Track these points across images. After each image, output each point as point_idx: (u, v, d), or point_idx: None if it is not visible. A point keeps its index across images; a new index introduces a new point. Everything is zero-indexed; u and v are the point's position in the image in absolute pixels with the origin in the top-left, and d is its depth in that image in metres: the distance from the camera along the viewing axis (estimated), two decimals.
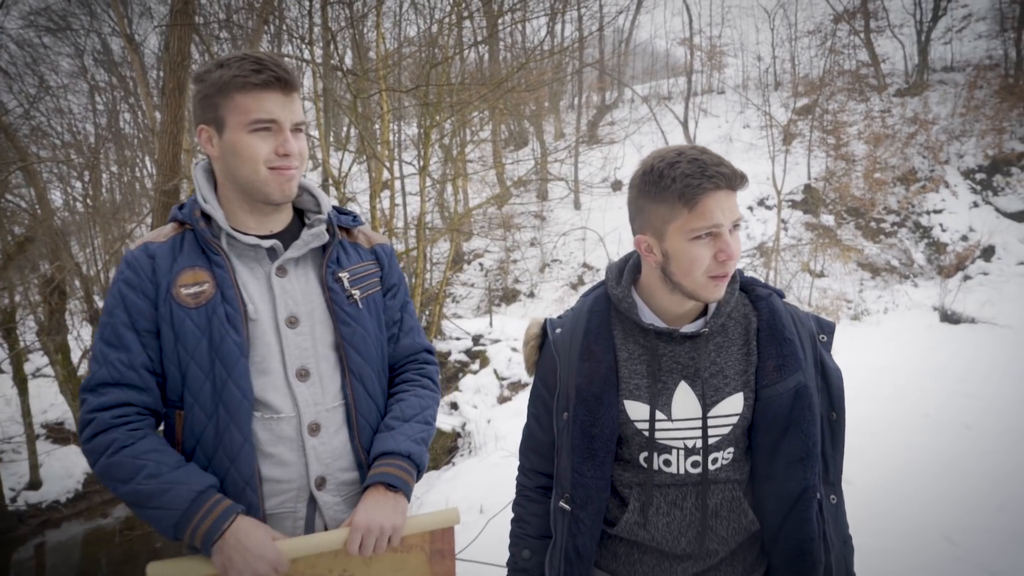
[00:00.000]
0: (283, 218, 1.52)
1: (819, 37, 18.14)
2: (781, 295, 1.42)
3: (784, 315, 1.36)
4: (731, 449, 1.34)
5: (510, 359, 6.76)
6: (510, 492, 3.67)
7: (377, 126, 7.81)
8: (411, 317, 1.67)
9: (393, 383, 1.62)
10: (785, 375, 1.30)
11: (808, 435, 1.29)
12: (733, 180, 1.22)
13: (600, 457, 1.32)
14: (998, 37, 17.47)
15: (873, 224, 12.87)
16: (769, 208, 13.48)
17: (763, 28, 19.65)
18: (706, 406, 1.30)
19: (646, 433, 1.31)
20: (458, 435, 5.26)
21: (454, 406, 5.79)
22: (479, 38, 8.46)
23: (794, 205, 13.48)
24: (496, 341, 7.64)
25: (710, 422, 1.30)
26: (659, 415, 1.30)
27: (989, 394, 6.49)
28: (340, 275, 1.51)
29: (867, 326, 10.27)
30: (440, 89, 5.98)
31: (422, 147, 6.42)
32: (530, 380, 1.62)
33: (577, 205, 14.60)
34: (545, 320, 1.48)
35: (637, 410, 1.32)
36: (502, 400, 5.95)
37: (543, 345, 1.47)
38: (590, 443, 1.32)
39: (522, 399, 5.76)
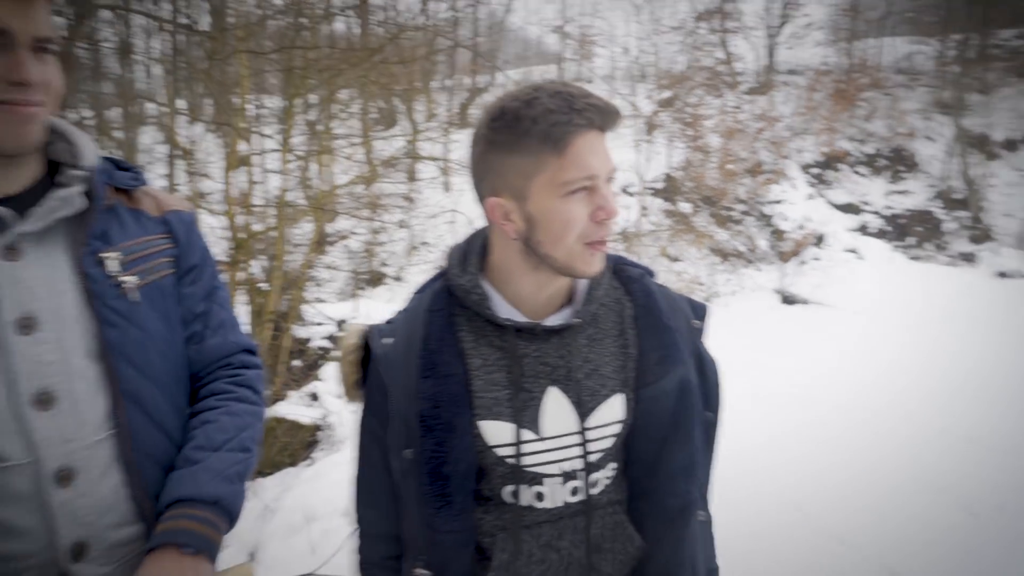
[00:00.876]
0: (22, 175, 1.06)
1: (682, 33, 19.04)
2: (652, 274, 1.20)
3: (660, 298, 1.14)
4: (613, 465, 1.10)
5: None
6: None
7: (235, 95, 7.29)
8: (223, 308, 1.28)
9: (197, 398, 1.23)
10: (668, 369, 1.07)
11: (692, 440, 1.08)
12: (607, 117, 0.97)
13: (459, 503, 1.02)
14: (832, 45, 19.22)
15: (724, 212, 13.77)
16: (632, 195, 14.05)
17: (631, 21, 20.33)
18: (583, 414, 1.04)
19: (511, 461, 1.03)
20: (318, 428, 5.03)
21: (314, 397, 5.54)
22: (350, 2, 8.11)
23: (655, 193, 14.13)
24: None
25: (590, 435, 1.05)
26: (526, 434, 1.03)
27: (821, 367, 7.17)
28: (105, 255, 1.09)
29: (717, 307, 11.03)
30: (306, 55, 5.60)
31: (285, 120, 6.05)
32: None
33: (447, 187, 14.49)
34: (367, 327, 1.15)
35: (498, 432, 1.03)
36: None
37: (366, 361, 1.13)
38: (444, 486, 1.01)
39: None
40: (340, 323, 7.17)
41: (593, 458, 1.06)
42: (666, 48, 19.95)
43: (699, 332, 1.17)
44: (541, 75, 19.71)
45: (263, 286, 6.01)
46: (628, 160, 14.04)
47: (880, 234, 13.13)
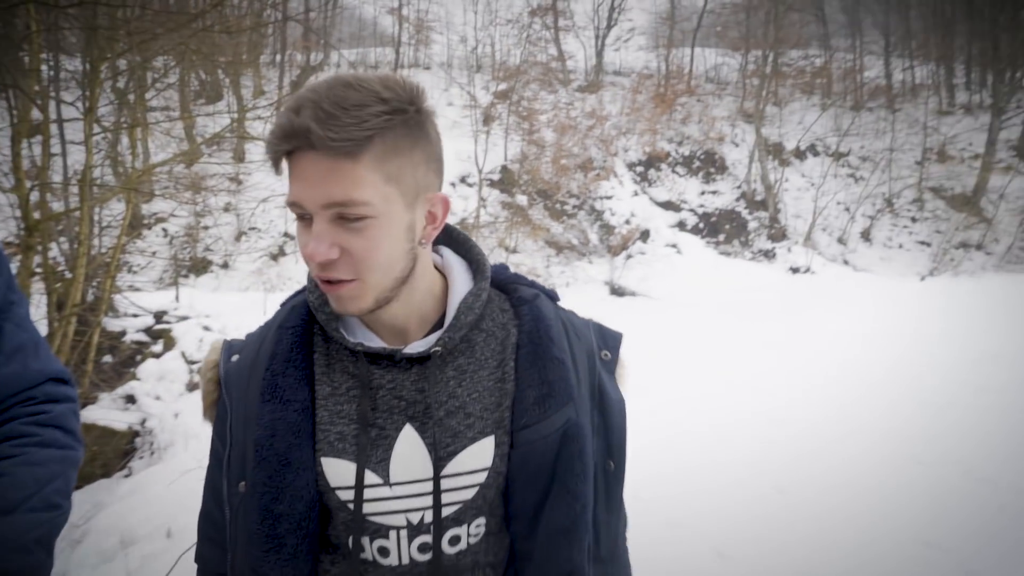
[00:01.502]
0: None
1: (517, 27, 19.43)
2: (553, 297, 1.03)
3: (553, 324, 0.96)
4: (481, 520, 0.94)
5: (201, 339, 6.02)
6: None
7: (25, 53, 6.27)
8: (20, 328, 1.04)
9: None
10: (550, 410, 0.91)
11: (577, 496, 0.91)
12: (322, 140, 0.75)
13: (290, 548, 0.87)
14: (653, 51, 20.68)
15: (558, 206, 14.31)
16: (470, 186, 14.15)
17: (469, 10, 20.39)
18: (439, 459, 0.88)
19: (351, 506, 0.89)
20: (136, 434, 4.49)
21: (130, 399, 4.94)
22: None
23: (492, 184, 14.34)
24: (184, 318, 6.77)
25: (445, 483, 0.89)
26: (371, 477, 0.88)
27: (653, 354, 7.67)
28: None
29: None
30: (113, 13, 4.90)
31: (88, 85, 5.30)
32: None
33: (278, 170, 13.64)
34: (224, 341, 1.01)
35: (340, 472, 0.88)
36: (192, 387, 5.25)
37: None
38: (273, 527, 0.86)
39: None
40: (159, 315, 6.49)
41: (449, 511, 0.90)
42: (502, 40, 20.37)
43: (609, 364, 1.01)
44: (377, 57, 19.22)
45: (66, 274, 5.25)
46: (467, 150, 14.14)
47: (696, 230, 14.37)
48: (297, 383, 0.89)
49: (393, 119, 0.79)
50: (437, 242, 1.01)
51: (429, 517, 0.90)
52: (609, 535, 1.00)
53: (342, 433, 0.89)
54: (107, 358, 6.22)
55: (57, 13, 5.22)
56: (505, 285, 1.02)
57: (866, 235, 14.40)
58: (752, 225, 14.53)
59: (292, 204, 0.80)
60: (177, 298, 7.36)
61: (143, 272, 10.50)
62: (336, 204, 0.77)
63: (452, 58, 20.05)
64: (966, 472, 4.19)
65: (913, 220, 14.69)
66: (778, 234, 14.18)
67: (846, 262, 13.68)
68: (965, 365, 6.71)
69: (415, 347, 0.90)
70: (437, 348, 0.89)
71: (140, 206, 11.50)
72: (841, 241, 14.22)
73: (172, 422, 4.41)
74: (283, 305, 1.00)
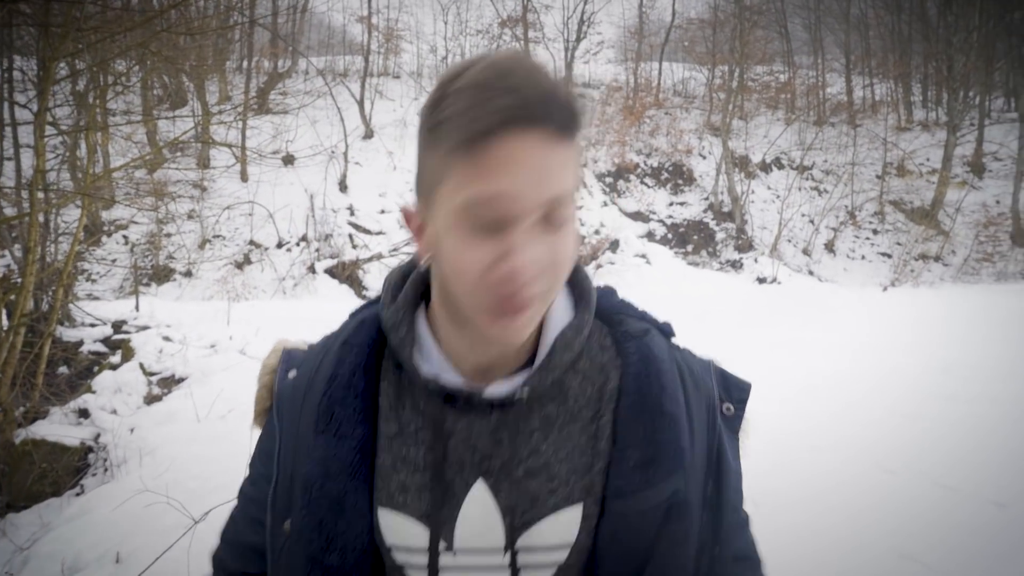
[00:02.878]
0: None
1: (487, 38, 19.47)
2: (667, 332, 0.83)
3: (667, 368, 0.77)
4: None
5: (161, 349, 5.80)
6: (162, 533, 2.92)
7: None
8: None
9: None
10: (654, 479, 0.73)
11: None
12: (549, 112, 0.60)
13: None
14: (622, 64, 20.91)
15: None
16: None
17: (439, 20, 20.38)
18: (514, 528, 0.72)
19: (410, 574, 0.74)
20: (89, 450, 4.29)
21: (83, 413, 4.73)
22: None
23: None
24: (144, 328, 6.54)
25: (522, 559, 0.73)
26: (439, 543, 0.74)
27: None
28: None
29: None
30: (69, 11, 4.72)
31: (40, 85, 5.10)
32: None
33: (244, 177, 13.41)
34: (282, 351, 0.86)
35: (399, 529, 0.74)
36: (151, 400, 5.04)
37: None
38: None
39: (177, 398, 4.93)
40: (118, 324, 6.25)
41: None
42: (472, 51, 20.38)
43: (732, 422, 0.82)
44: (346, 65, 19.06)
45: (18, 281, 5.02)
46: None
47: (664, 241, 14.48)
48: (356, 415, 0.74)
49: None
50: None
51: None
52: None
53: (404, 484, 0.73)
54: (63, 369, 5.96)
55: (8, 8, 5.02)
56: (610, 316, 0.81)
57: (830, 246, 14.67)
58: (719, 236, 14.70)
59: (490, 200, 0.60)
60: (137, 307, 7.12)
61: (102, 280, 10.16)
62: (554, 200, 0.61)
63: (422, 67, 19.99)
64: (935, 483, 4.22)
65: (875, 232, 15.02)
66: (745, 245, 14.36)
67: (811, 272, 13.91)
68: (931, 375, 6.82)
69: (498, 389, 0.73)
70: (524, 392, 0.72)
71: (100, 213, 11.16)
72: (806, 252, 14.47)
73: (127, 437, 4.21)
74: (352, 315, 0.84)
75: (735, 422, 0.82)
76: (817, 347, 8.45)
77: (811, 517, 3.76)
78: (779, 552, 3.41)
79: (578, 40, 19.94)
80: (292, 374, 0.81)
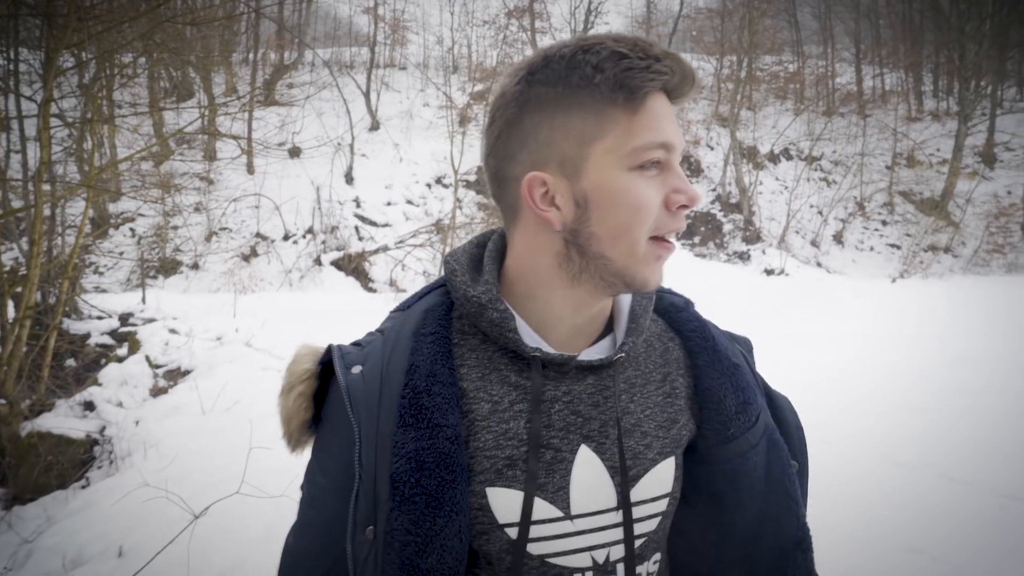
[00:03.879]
0: None
1: (494, 28, 19.37)
2: (693, 304, 0.95)
3: (716, 331, 0.89)
4: (658, 556, 0.82)
5: (167, 342, 5.81)
6: (164, 528, 2.92)
7: None
8: None
9: None
10: (752, 417, 0.83)
11: (799, 502, 0.85)
12: (685, 79, 0.74)
13: None
14: None
15: None
16: (446, 187, 14.03)
17: (445, 11, 20.28)
18: (626, 483, 0.76)
19: (525, 547, 0.74)
20: (95, 442, 4.30)
21: (89, 406, 4.74)
22: None
23: (468, 185, 14.23)
24: (150, 320, 6.55)
25: (635, 513, 0.77)
26: (545, 510, 0.74)
27: None
28: None
29: None
30: (72, 1, 4.69)
31: (44, 76, 5.09)
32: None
33: (251, 169, 13.41)
34: (330, 348, 0.81)
35: (516, 506, 0.73)
36: (156, 392, 5.05)
37: (322, 393, 0.80)
38: None
39: (182, 391, 4.93)
40: (124, 317, 6.27)
41: (638, 544, 0.77)
42: (479, 41, 20.31)
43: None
44: (352, 57, 19.00)
45: (24, 273, 5.02)
46: (442, 151, 14.01)
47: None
48: (447, 403, 0.73)
49: None
50: None
51: (616, 554, 0.76)
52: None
53: (512, 458, 0.74)
54: (70, 362, 5.98)
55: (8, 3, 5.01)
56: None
57: (838, 238, 14.56)
58: (727, 227, 14.62)
59: (663, 146, 0.72)
60: (144, 300, 7.14)
61: (109, 273, 10.19)
62: (685, 148, 0.78)
63: (428, 58, 19.92)
64: (943, 475, 4.18)
65: (884, 223, 14.90)
66: (753, 236, 14.27)
67: (819, 264, 13.81)
68: (940, 368, 6.76)
69: (591, 353, 0.79)
70: (621, 354, 0.78)
71: (106, 205, 11.18)
72: (814, 243, 14.36)
73: (132, 430, 4.22)
74: (404, 310, 0.84)
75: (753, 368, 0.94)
76: (825, 339, 8.40)
77: (820, 511, 3.73)
78: None
79: (585, 30, 19.81)
80: (357, 369, 0.78)
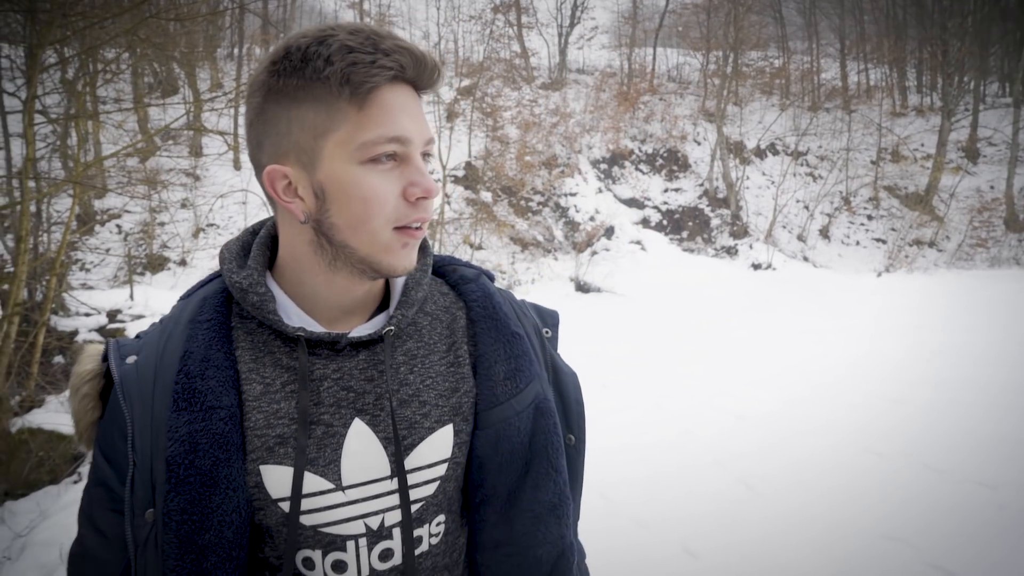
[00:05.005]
0: None
1: (480, 23, 19.33)
2: (491, 277, 0.98)
3: (502, 302, 0.92)
4: (441, 518, 0.85)
5: None
6: None
7: None
8: None
9: None
10: (520, 384, 0.86)
11: (559, 470, 0.87)
12: (423, 69, 0.76)
13: None
14: (616, 50, 20.80)
15: (523, 202, 14.26)
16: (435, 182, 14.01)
17: (431, 5, 20.20)
18: (399, 452, 0.79)
19: (299, 519, 0.78)
20: None
21: None
22: None
23: (456, 180, 14.22)
24: (139, 317, 6.54)
25: (409, 479, 0.81)
26: (316, 484, 0.77)
27: (618, 351, 7.68)
28: None
29: (518, 295, 11.40)
30: None
31: (28, 72, 5.06)
32: None
33: (238, 165, 13.35)
34: (107, 344, 0.83)
35: (287, 481, 0.77)
36: None
37: (106, 392, 0.82)
38: (198, 562, 0.72)
39: None
40: (112, 314, 6.25)
41: (415, 508, 0.81)
42: (465, 37, 20.25)
43: (552, 341, 0.98)
44: None
45: (10, 271, 4.99)
46: None
47: (659, 227, 14.48)
48: (221, 386, 0.76)
49: None
50: None
51: (391, 519, 0.80)
52: (576, 511, 0.96)
53: (282, 436, 0.77)
54: (58, 358, 5.96)
55: None
56: (442, 268, 0.96)
57: (824, 232, 14.70)
58: (715, 222, 14.71)
59: (395, 140, 0.74)
60: (132, 296, 7.11)
61: (96, 270, 10.12)
62: (431, 142, 0.79)
63: None
64: (923, 465, 4.26)
65: (869, 218, 15.05)
66: (740, 231, 14.37)
67: (806, 258, 13.94)
68: (922, 361, 6.86)
69: (362, 330, 0.82)
70: (391, 328, 0.81)
71: (92, 202, 11.09)
72: (801, 238, 14.49)
73: None
74: (184, 299, 0.86)
75: (554, 342, 0.99)
76: (810, 333, 8.49)
77: (803, 501, 3.80)
78: (773, 537, 3.45)
79: (572, 26, 19.84)
80: (131, 359, 0.80)
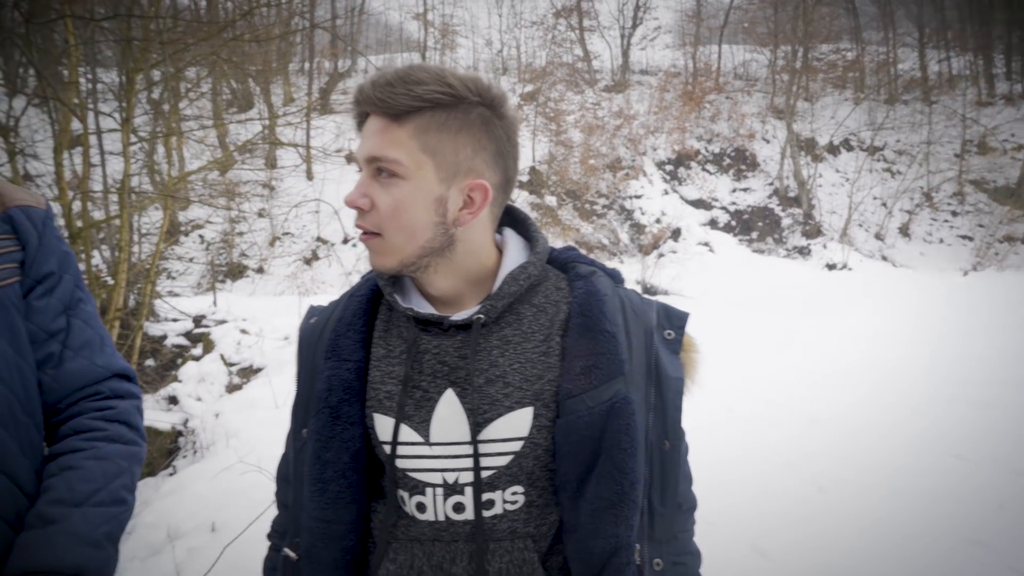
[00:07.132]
0: None
1: (542, 29, 19.45)
2: (616, 277, 1.05)
3: (608, 300, 0.97)
4: (517, 489, 0.94)
5: (239, 342, 6.12)
6: (249, 505, 3.15)
7: (64, 67, 6.48)
8: (87, 325, 1.06)
9: (56, 437, 1.00)
10: (595, 380, 0.91)
11: (624, 472, 0.90)
12: (369, 102, 0.89)
13: (333, 492, 0.95)
14: (680, 50, 20.51)
15: (588, 206, 14.26)
16: None
17: (493, 13, 20.47)
18: (476, 424, 0.91)
19: (395, 461, 0.95)
20: (179, 434, 4.58)
21: (173, 400, 5.05)
22: None
23: (521, 186, 14.34)
24: (222, 322, 6.88)
25: (483, 448, 0.92)
26: (410, 436, 0.93)
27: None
28: None
29: None
30: (147, 26, 5.02)
31: (124, 96, 5.44)
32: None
33: (310, 175, 13.85)
34: (309, 307, 1.12)
35: (386, 428, 0.95)
36: (232, 389, 5.34)
37: None
38: (322, 472, 0.95)
39: (256, 387, 5.21)
40: (198, 319, 6.61)
41: (485, 475, 0.92)
42: (527, 42, 20.40)
43: (672, 344, 1.00)
44: (404, 62, 19.34)
45: (107, 280, 5.38)
46: None
47: (727, 228, 14.19)
48: (354, 344, 0.98)
49: (444, 99, 0.87)
50: (503, 224, 1.06)
51: (464, 479, 0.93)
52: (664, 517, 0.99)
53: (390, 392, 0.96)
54: (149, 361, 6.35)
55: (93, 27, 5.37)
56: (565, 264, 1.05)
57: (904, 230, 14.08)
58: (786, 222, 14.31)
59: (349, 157, 0.90)
60: (215, 302, 7.49)
61: (181, 278, 10.71)
62: (374, 159, 0.88)
63: (478, 61, 20.14)
64: (1012, 471, 4.06)
65: (954, 214, 14.33)
66: (813, 231, 13.93)
67: (884, 258, 13.39)
68: (1009, 362, 6.51)
69: (460, 315, 0.95)
70: (479, 316, 0.93)
71: (177, 213, 11.76)
72: (878, 237, 13.93)
73: (213, 422, 4.48)
74: (364, 277, 1.09)
75: (675, 344, 1.02)
76: (889, 334, 8.17)
77: (878, 504, 3.69)
78: (845, 540, 3.37)
79: (634, 27, 19.70)
80: (312, 320, 1.07)
